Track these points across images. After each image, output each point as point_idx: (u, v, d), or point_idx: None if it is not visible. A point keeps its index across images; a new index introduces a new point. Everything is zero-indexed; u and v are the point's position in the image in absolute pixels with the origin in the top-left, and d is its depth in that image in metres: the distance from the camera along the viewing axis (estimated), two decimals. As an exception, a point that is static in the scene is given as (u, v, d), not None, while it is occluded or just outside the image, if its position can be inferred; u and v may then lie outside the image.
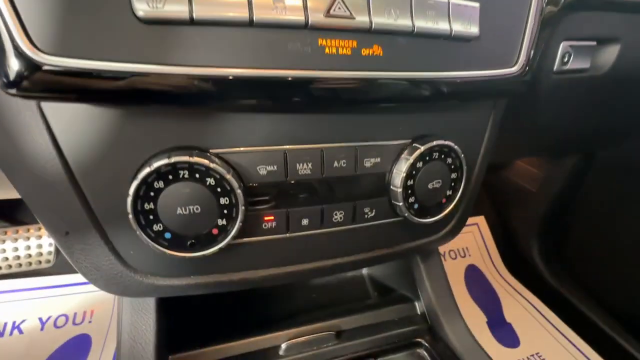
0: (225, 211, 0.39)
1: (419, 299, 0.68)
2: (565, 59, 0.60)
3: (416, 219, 0.49)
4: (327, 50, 0.35)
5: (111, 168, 0.37)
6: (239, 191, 0.38)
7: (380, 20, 0.35)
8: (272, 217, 0.43)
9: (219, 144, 0.39)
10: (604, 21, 0.60)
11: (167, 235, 0.39)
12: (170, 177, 0.37)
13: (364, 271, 0.84)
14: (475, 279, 1.25)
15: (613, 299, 1.04)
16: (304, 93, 0.36)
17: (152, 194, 0.37)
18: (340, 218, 0.46)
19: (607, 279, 1.06)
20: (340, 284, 0.81)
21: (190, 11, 0.30)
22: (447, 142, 0.46)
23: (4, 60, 0.28)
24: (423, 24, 0.37)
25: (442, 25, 0.38)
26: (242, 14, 0.32)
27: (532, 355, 0.99)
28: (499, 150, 0.91)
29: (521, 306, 1.16)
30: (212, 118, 0.38)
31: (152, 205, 0.37)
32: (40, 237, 1.00)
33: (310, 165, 0.42)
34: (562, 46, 0.59)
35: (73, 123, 0.35)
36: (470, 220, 1.38)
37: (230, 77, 0.33)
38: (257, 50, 0.33)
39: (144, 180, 0.36)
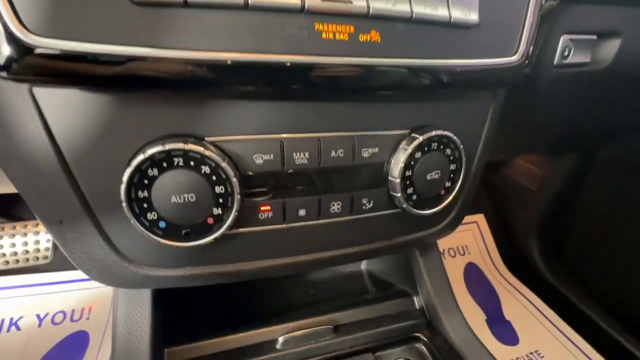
0: (221, 200, 0.39)
1: (418, 294, 0.68)
2: (566, 53, 0.60)
3: (414, 210, 0.48)
4: (323, 35, 0.35)
5: (105, 155, 0.37)
6: (234, 179, 0.38)
7: (378, 5, 0.35)
8: (268, 207, 0.43)
9: (215, 131, 0.39)
10: (605, 15, 0.60)
11: (162, 224, 0.38)
12: (165, 164, 0.36)
13: (363, 266, 0.84)
14: (474, 277, 1.25)
15: (612, 297, 1.04)
16: (300, 79, 0.36)
17: (146, 181, 0.36)
18: (338, 209, 0.46)
19: (607, 278, 1.06)
20: (338, 279, 0.81)
21: (184, -7, 0.30)
22: (446, 133, 0.46)
23: None
24: (422, 9, 0.36)
25: (441, 12, 0.37)
26: (237, -4, 0.31)
27: (531, 353, 0.99)
28: (499, 147, 0.91)
29: (520, 304, 1.15)
30: (207, 106, 0.38)
31: (146, 194, 0.37)
32: (37, 233, 1.00)
33: (307, 154, 0.42)
34: (563, 39, 0.58)
35: (66, 109, 0.34)
36: (469, 218, 1.38)
37: (224, 61, 0.32)
38: (252, 34, 0.33)
39: (138, 167, 0.36)
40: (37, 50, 0.29)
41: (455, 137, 0.47)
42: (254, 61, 0.33)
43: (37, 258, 1.00)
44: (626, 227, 0.99)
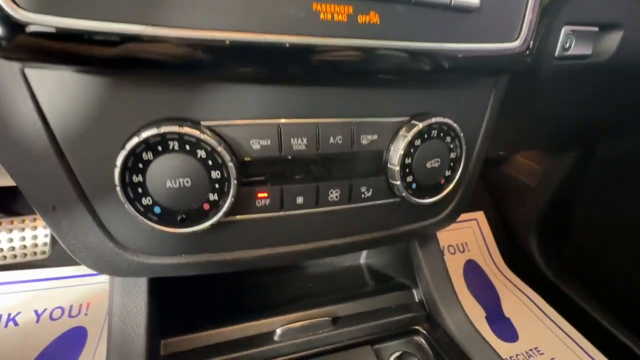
0: (217, 185, 0.38)
1: (417, 287, 0.67)
2: (567, 45, 0.59)
3: (414, 199, 0.47)
4: (322, 16, 0.34)
5: (99, 139, 0.36)
6: (230, 164, 0.37)
7: (377, -15, 0.34)
8: (265, 194, 0.42)
9: (211, 116, 0.38)
10: (607, 6, 0.60)
11: (157, 209, 0.38)
12: (160, 148, 0.36)
13: (362, 260, 0.83)
14: (474, 274, 1.24)
15: (612, 294, 1.03)
16: (296, 60, 0.35)
17: (140, 165, 0.36)
18: (336, 197, 0.45)
19: (606, 275, 1.05)
20: (337, 273, 0.80)
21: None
22: (446, 120, 0.45)
23: None
24: (422, -9, 0.36)
25: (442, -6, 0.37)
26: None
27: (531, 350, 0.99)
28: (499, 143, 0.90)
29: (520, 301, 1.15)
30: (203, 89, 0.37)
31: (140, 178, 0.36)
32: (35, 228, 0.99)
33: (305, 140, 0.41)
34: (564, 31, 0.58)
35: (59, 91, 0.34)
36: (469, 215, 1.38)
37: (222, 40, 0.32)
38: (248, 13, 0.32)
39: (132, 151, 0.35)
40: (29, 28, 0.28)
41: (455, 125, 0.46)
42: (251, 41, 0.32)
43: (35, 253, 0.99)
44: (626, 224, 0.98)
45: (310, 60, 0.35)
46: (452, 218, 0.58)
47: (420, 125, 0.44)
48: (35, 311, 0.92)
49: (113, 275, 0.45)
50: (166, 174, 0.36)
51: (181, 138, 0.36)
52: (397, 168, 0.45)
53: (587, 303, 1.07)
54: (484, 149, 0.54)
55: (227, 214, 0.40)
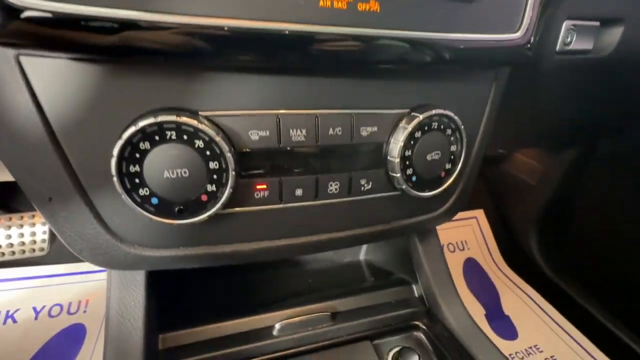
0: (215, 176, 0.38)
1: (417, 282, 0.67)
2: (568, 39, 0.59)
3: (414, 192, 0.47)
4: (321, 2, 0.33)
5: (95, 128, 0.35)
6: (228, 155, 0.37)
7: (378, -28, 0.34)
8: (264, 186, 0.42)
9: (209, 106, 0.38)
10: (608, 0, 0.59)
11: (154, 200, 0.37)
12: (157, 137, 0.35)
13: (361, 256, 0.83)
14: (473, 272, 1.24)
15: (611, 292, 1.03)
16: (294, 48, 0.35)
17: (137, 155, 0.35)
18: (336, 189, 0.45)
19: (606, 273, 1.05)
20: (336, 269, 0.80)
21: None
22: (446, 112, 0.45)
23: None
24: (422, -21, 0.36)
25: (443, -17, 0.37)
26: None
27: (530, 348, 0.98)
28: (500, 139, 0.90)
29: (519, 299, 1.15)
30: (201, 79, 0.37)
31: (137, 168, 0.36)
32: (33, 224, 0.99)
33: (304, 131, 0.41)
34: (565, 25, 0.57)
35: (54, 79, 0.33)
36: (469, 213, 1.37)
37: (220, 27, 0.31)
38: (247, 0, 0.32)
39: (129, 140, 0.35)
40: (25, 13, 0.27)
41: (456, 117, 0.46)
42: (249, 28, 0.32)
43: (34, 250, 0.99)
44: (626, 222, 0.98)
45: (309, 48, 0.35)
46: (452, 213, 0.57)
47: (421, 116, 0.43)
48: (34, 308, 0.92)
49: (110, 267, 0.45)
50: (164, 164, 0.36)
51: (179, 127, 0.35)
52: (397, 160, 0.44)
53: (586, 301, 1.07)
54: (484, 143, 0.54)
55: (225, 206, 0.39)
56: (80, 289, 0.98)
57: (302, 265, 0.79)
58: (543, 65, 0.60)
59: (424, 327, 0.62)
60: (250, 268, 0.75)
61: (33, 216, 0.99)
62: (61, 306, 0.94)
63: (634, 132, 0.94)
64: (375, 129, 0.44)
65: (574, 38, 0.59)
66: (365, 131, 0.43)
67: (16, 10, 0.27)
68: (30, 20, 0.28)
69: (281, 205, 0.44)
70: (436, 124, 0.46)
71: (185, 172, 0.36)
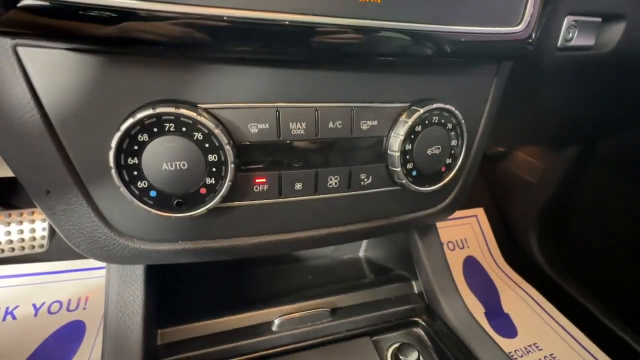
0: (214, 169, 0.38)
1: (417, 279, 0.67)
2: (570, 35, 0.59)
3: (414, 186, 0.47)
4: (321, -7, 0.33)
5: (93, 120, 0.35)
6: (227, 147, 0.37)
7: (378, -37, 0.34)
8: (263, 180, 0.42)
9: (208, 98, 0.37)
10: (610, -5, 0.59)
11: (152, 193, 0.37)
12: (156, 129, 0.35)
13: (361, 254, 0.83)
14: (473, 270, 1.24)
15: (611, 291, 1.03)
16: (294, 39, 0.34)
17: (136, 147, 0.35)
18: (335, 184, 0.45)
19: (606, 271, 1.05)
20: (336, 266, 0.79)
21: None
22: (447, 106, 0.45)
23: None
24: (423, -29, 0.35)
25: (444, -26, 0.36)
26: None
27: (530, 346, 0.98)
28: (500, 137, 0.90)
29: (519, 297, 1.15)
30: (201, 71, 0.36)
31: (136, 160, 0.35)
32: (33, 221, 0.99)
33: (304, 125, 0.40)
34: (567, 20, 0.57)
35: (52, 70, 0.33)
36: (469, 212, 1.37)
37: (216, 16, 0.31)
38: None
39: (127, 132, 0.34)
40: (22, 2, 0.27)
41: (457, 112, 0.46)
42: (249, 18, 0.32)
43: (33, 247, 0.99)
44: (625, 220, 0.98)
45: (309, 39, 0.34)
46: (452, 208, 0.57)
47: (422, 110, 0.43)
48: (34, 305, 0.92)
49: (108, 261, 0.44)
50: (162, 157, 0.36)
51: (177, 119, 0.35)
52: (397, 154, 0.44)
53: (586, 299, 1.07)
54: (485, 138, 0.54)
55: (224, 199, 0.39)
56: (80, 285, 0.98)
57: (302, 261, 0.79)
58: (544, 62, 0.60)
59: (423, 323, 0.62)
60: (249, 263, 0.75)
61: (32, 213, 0.99)
62: (61, 303, 0.94)
63: (635, 130, 0.94)
64: (376, 122, 0.43)
65: (576, 34, 0.59)
66: (365, 125, 0.43)
67: (13, -1, 0.27)
68: (27, 9, 0.28)
69: (280, 200, 0.43)
70: (437, 118, 0.45)
71: (184, 165, 0.36)
